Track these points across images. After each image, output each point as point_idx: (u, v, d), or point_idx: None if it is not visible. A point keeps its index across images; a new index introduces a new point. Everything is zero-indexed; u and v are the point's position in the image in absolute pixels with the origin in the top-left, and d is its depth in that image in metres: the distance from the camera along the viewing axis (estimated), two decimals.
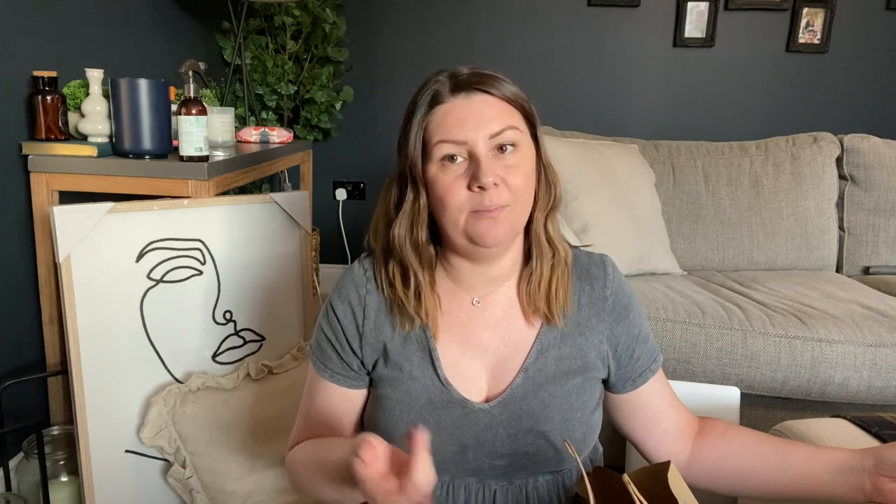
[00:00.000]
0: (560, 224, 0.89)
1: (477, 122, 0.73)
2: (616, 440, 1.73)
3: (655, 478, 0.70)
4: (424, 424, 0.79)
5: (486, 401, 0.81)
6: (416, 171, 0.76)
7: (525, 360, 0.82)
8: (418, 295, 0.80)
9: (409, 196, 0.78)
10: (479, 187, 0.72)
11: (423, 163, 0.76)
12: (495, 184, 0.73)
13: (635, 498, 0.65)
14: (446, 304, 0.83)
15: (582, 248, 0.89)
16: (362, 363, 0.84)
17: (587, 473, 0.70)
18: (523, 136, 0.77)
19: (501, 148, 0.75)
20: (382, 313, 0.82)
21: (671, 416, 0.89)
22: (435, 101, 0.75)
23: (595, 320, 0.84)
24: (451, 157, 0.74)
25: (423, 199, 0.77)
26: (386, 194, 0.81)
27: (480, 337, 0.82)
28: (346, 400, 0.86)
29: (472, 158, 0.73)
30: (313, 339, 0.88)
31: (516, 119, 0.76)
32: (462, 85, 0.75)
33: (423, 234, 0.79)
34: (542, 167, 0.80)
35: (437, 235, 0.82)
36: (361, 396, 0.87)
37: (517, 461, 0.81)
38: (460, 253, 0.80)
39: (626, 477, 0.68)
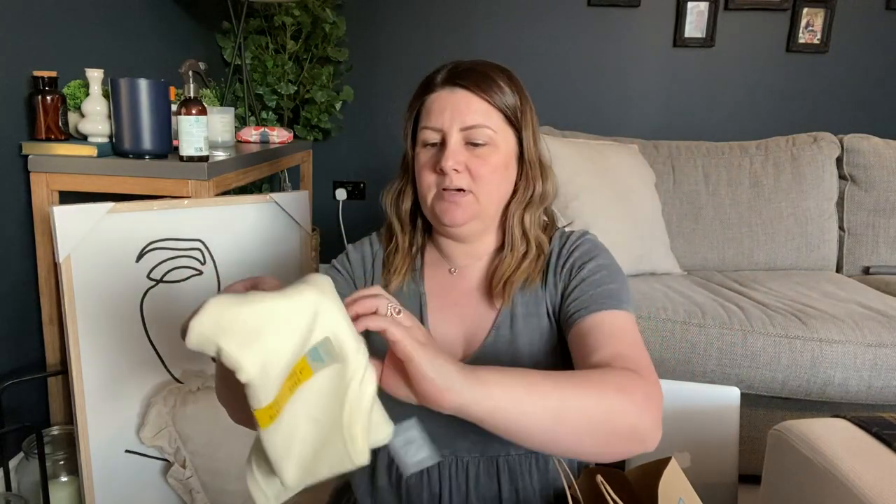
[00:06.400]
0: (557, 218, 0.94)
1: (453, 114, 0.81)
2: None
3: (654, 476, 0.70)
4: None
5: (462, 359, 0.84)
6: (406, 151, 0.88)
7: (495, 320, 0.85)
8: (396, 251, 0.90)
9: (400, 171, 0.91)
10: (440, 170, 0.81)
11: (413, 145, 0.87)
12: (456, 169, 0.81)
13: (608, 498, 0.65)
14: (430, 272, 0.91)
15: (564, 230, 0.92)
16: None
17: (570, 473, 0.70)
18: (499, 136, 0.83)
19: (474, 143, 0.82)
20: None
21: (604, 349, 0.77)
22: (426, 89, 0.84)
23: (551, 275, 0.87)
24: (431, 143, 0.83)
25: (409, 175, 0.88)
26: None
27: (458, 303, 0.88)
28: None
29: (444, 145, 0.81)
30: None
31: (495, 121, 0.83)
32: (451, 78, 0.83)
33: (406, 204, 0.90)
34: (526, 164, 0.86)
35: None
36: None
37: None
38: (439, 230, 0.89)
39: (599, 478, 0.67)
